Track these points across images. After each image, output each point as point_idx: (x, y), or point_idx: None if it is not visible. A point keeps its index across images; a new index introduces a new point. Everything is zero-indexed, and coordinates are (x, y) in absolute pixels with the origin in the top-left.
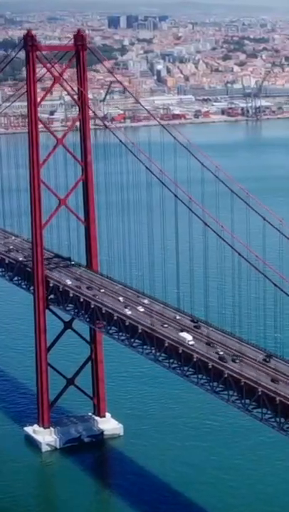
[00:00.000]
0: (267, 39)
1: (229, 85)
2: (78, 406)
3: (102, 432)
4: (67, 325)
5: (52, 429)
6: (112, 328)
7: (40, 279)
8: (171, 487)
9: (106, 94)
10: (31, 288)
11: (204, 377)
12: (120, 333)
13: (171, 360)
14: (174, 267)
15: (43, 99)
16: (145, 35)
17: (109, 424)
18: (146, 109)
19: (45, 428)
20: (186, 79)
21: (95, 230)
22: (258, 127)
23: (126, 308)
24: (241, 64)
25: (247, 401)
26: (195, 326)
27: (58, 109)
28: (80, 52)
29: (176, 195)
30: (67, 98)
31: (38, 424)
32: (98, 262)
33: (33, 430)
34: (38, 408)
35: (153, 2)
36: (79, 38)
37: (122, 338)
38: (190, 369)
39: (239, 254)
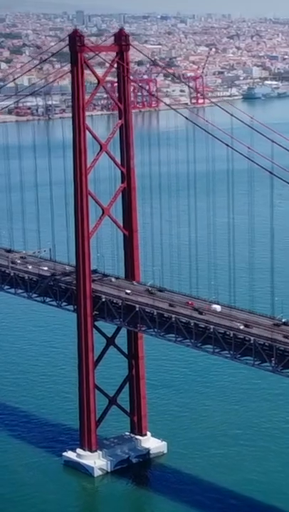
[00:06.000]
0: (19, 34)
1: (1, 83)
2: (110, 425)
3: (148, 451)
4: (110, 341)
5: (99, 452)
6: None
7: (88, 293)
8: (229, 501)
9: None
10: (63, 304)
11: None
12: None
13: None
14: None
15: (88, 102)
16: None
17: (153, 443)
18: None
19: (92, 452)
20: None
21: (138, 240)
22: (52, 126)
23: None
24: (8, 61)
25: None
26: None
27: None
28: (123, 53)
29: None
30: None
31: (82, 448)
32: (140, 273)
33: (77, 455)
34: (82, 431)
35: None
36: (122, 37)
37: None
38: None
39: None
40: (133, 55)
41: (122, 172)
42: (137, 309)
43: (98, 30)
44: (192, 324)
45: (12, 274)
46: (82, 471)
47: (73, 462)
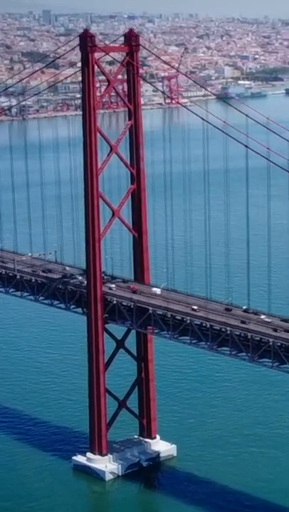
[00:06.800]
0: None
1: None
2: (118, 428)
3: (158, 455)
4: (120, 344)
5: (110, 456)
6: None
7: (99, 296)
8: (240, 505)
9: None
10: (72, 306)
11: None
12: None
13: None
14: None
15: (99, 103)
16: None
17: (162, 446)
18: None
19: (102, 455)
20: None
21: (147, 242)
22: (28, 127)
23: None
24: None
25: None
26: None
27: None
28: (133, 53)
29: None
30: None
31: (92, 452)
32: (150, 275)
33: (88, 459)
34: (92, 435)
35: None
36: (132, 37)
37: None
38: None
39: None
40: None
41: (131, 173)
42: (150, 312)
43: (66, 30)
44: (208, 326)
45: (18, 277)
46: (93, 475)
47: (83, 466)
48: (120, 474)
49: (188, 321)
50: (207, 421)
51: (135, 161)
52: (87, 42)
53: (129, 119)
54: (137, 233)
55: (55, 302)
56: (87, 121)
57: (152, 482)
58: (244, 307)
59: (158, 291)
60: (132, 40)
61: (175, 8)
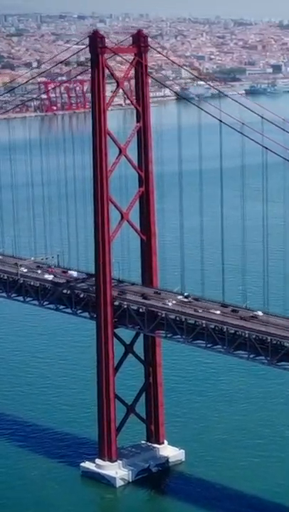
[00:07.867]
0: None
1: None
2: (125, 434)
3: (167, 460)
4: (128, 348)
5: (120, 462)
6: None
7: (109, 300)
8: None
9: None
10: (79, 311)
11: None
12: None
13: None
14: None
15: (109, 104)
16: None
17: (171, 451)
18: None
19: (112, 462)
20: None
21: (156, 245)
22: None
23: None
24: None
25: None
26: None
27: None
28: (142, 54)
29: None
30: None
31: (102, 458)
32: (158, 279)
33: (97, 465)
34: (102, 441)
35: None
36: (141, 38)
37: None
38: None
39: None
40: (60, 54)
41: (139, 175)
42: (163, 315)
43: (17, 30)
44: (224, 330)
45: (21, 282)
46: (103, 481)
47: (92, 473)
48: (130, 480)
49: (203, 325)
50: (214, 425)
51: (143, 164)
52: (97, 43)
53: (138, 121)
54: (146, 236)
55: (61, 307)
56: (97, 122)
57: (163, 488)
58: (185, 294)
59: (74, 273)
60: (140, 41)
61: (124, 8)
